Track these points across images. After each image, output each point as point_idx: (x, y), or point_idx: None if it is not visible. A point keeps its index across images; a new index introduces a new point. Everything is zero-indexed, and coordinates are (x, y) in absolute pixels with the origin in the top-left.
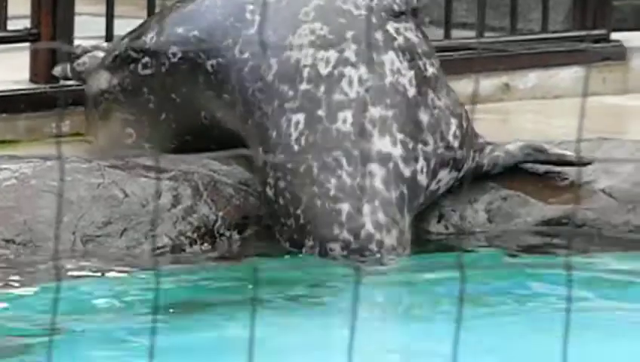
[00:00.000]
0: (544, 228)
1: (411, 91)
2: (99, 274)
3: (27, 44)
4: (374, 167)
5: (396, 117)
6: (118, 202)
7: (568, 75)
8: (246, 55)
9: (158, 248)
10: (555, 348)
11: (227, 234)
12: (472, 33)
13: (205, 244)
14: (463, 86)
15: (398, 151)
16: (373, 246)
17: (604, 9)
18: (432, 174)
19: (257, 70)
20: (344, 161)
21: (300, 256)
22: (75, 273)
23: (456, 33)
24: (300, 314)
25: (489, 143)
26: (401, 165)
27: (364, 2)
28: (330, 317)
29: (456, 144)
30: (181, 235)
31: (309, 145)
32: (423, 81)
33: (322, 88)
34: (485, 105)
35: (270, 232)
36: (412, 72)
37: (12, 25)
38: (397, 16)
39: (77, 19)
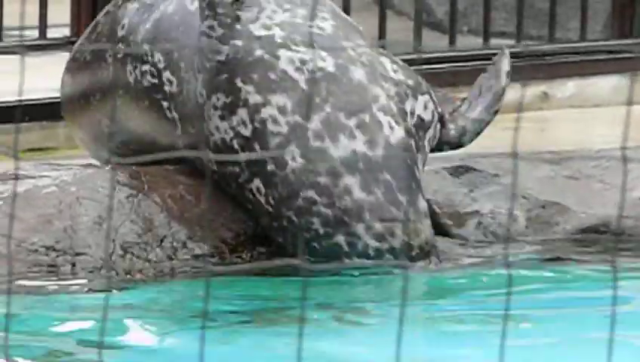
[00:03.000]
0: (582, 236)
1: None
2: (141, 281)
3: (67, 52)
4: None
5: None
6: (158, 209)
7: (607, 84)
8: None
9: (197, 256)
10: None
11: (266, 243)
12: (510, 42)
13: (245, 252)
14: None
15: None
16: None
17: None
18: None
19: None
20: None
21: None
22: (118, 280)
23: (494, 42)
24: (345, 327)
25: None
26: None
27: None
28: (375, 330)
29: (428, 116)
30: (222, 243)
31: None
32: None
33: None
34: (524, 114)
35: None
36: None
37: (51, 33)
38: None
39: None
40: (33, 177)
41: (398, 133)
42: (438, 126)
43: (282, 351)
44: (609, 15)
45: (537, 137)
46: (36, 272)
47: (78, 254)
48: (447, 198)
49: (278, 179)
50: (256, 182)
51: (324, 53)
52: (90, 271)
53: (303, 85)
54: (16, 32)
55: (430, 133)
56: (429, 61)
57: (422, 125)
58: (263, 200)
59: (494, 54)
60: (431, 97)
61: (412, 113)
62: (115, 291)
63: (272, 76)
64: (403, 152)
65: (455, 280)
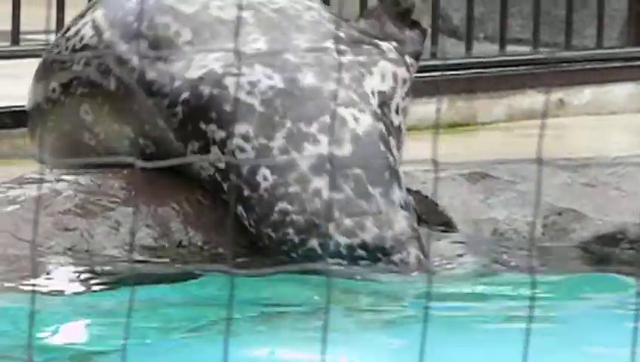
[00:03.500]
0: (599, 243)
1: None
2: (163, 281)
3: None
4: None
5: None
6: (174, 214)
7: (622, 91)
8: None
9: (214, 260)
10: None
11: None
12: (526, 49)
13: (262, 256)
14: (518, 101)
15: None
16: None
17: None
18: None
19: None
20: None
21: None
22: (135, 282)
23: (510, 49)
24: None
25: None
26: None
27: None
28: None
29: (389, 83)
30: (238, 246)
31: None
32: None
33: None
34: (540, 121)
35: None
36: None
37: None
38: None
39: None
40: (50, 181)
41: (364, 123)
42: (407, 75)
43: (304, 350)
44: (625, 22)
45: (554, 144)
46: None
47: (95, 256)
48: (462, 205)
49: (255, 201)
50: (240, 209)
51: (269, 71)
52: (107, 275)
53: (259, 107)
54: (32, 36)
55: (397, 97)
56: (445, 67)
57: (385, 98)
58: (246, 223)
59: (511, 61)
60: (387, 60)
61: (373, 93)
62: (132, 293)
63: (227, 108)
64: (373, 143)
65: (464, 283)
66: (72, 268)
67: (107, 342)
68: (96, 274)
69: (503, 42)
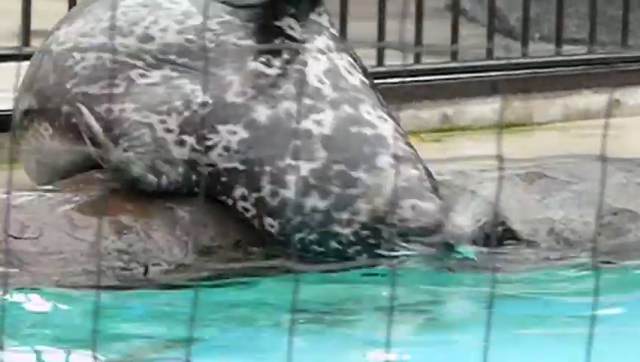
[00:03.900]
0: None
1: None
2: (218, 281)
3: None
4: None
5: None
6: (231, 213)
7: None
8: None
9: (271, 259)
10: None
11: None
12: (582, 49)
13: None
14: (574, 101)
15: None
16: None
17: None
18: None
19: None
20: None
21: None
22: (196, 280)
23: (567, 48)
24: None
25: None
26: None
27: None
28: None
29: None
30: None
31: None
32: None
33: None
34: (596, 121)
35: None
36: None
37: None
38: None
39: None
40: (106, 180)
41: (327, 121)
42: (325, 40)
43: (368, 348)
44: None
45: (610, 144)
46: (110, 276)
47: (151, 257)
48: (519, 205)
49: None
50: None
51: (230, 126)
52: (164, 274)
53: (241, 166)
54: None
55: (338, 62)
56: (501, 68)
57: (331, 73)
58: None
59: (567, 61)
60: (300, 42)
61: (321, 80)
62: (193, 291)
63: (224, 178)
64: (343, 132)
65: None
66: (130, 267)
67: (169, 338)
68: (155, 271)
69: (559, 42)
